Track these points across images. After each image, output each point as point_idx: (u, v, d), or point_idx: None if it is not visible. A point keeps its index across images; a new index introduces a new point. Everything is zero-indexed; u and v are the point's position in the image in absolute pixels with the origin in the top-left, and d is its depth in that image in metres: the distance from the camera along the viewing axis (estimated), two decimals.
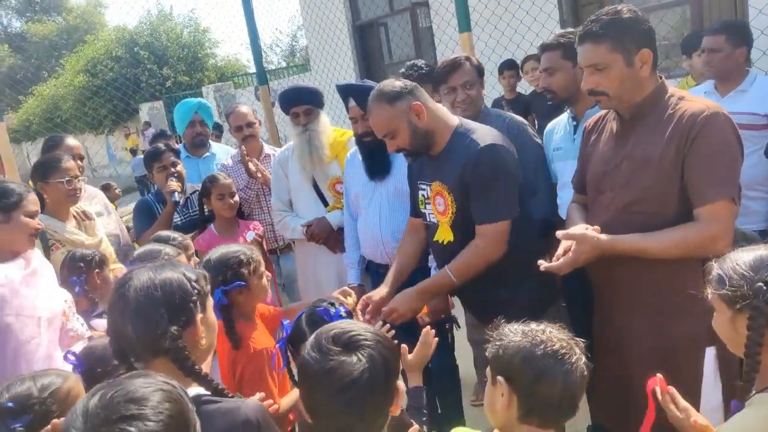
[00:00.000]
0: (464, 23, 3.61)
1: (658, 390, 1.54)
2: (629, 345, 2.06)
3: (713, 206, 1.83)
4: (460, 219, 2.27)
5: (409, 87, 2.26)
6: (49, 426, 1.39)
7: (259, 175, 3.52)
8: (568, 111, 2.70)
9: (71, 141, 3.56)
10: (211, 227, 3.31)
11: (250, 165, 3.50)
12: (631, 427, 1.64)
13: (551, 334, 1.37)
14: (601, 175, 2.09)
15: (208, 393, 1.40)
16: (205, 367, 1.46)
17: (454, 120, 2.32)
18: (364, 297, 2.38)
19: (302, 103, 3.24)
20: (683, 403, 1.52)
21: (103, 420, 0.89)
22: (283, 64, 22.77)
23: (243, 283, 2.05)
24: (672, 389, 1.54)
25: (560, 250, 1.98)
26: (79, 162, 3.28)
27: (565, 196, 2.55)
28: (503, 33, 5.85)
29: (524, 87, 5.80)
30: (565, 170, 2.61)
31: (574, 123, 2.64)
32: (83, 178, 3.12)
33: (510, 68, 5.50)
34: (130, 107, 17.05)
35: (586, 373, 1.37)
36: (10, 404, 1.40)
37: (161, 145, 3.60)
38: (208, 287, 1.50)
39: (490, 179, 2.17)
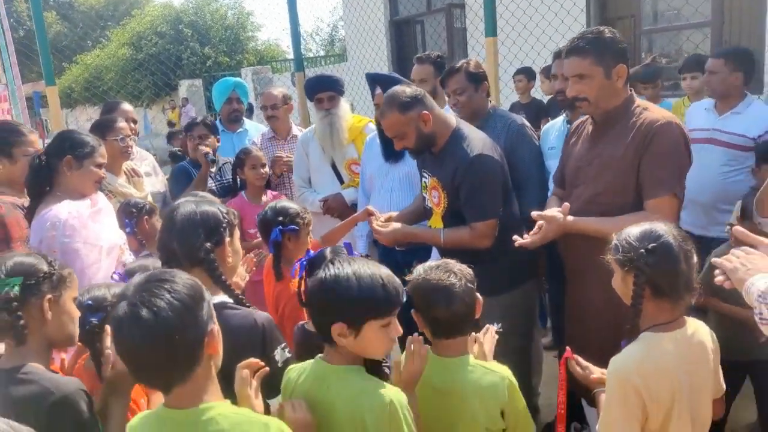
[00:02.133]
0: (490, 28, 3.91)
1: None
2: (589, 317, 2.41)
3: (659, 200, 2.20)
4: (449, 213, 2.64)
5: (419, 96, 2.58)
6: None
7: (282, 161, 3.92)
8: (564, 114, 3.04)
9: (126, 106, 3.98)
10: (242, 194, 3.70)
11: (280, 153, 3.93)
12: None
13: (438, 270, 1.81)
14: (576, 171, 2.45)
15: (232, 302, 1.82)
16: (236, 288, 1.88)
17: (453, 122, 2.66)
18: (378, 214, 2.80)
19: (326, 89, 3.61)
20: (584, 363, 1.91)
21: (144, 282, 1.30)
22: (322, 53, 23.21)
23: (296, 228, 2.49)
24: (576, 357, 1.92)
25: (535, 229, 2.35)
26: (131, 125, 3.71)
27: None
28: (526, 40, 6.16)
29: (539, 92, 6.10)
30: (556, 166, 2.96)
31: (568, 126, 2.98)
32: (134, 138, 3.54)
33: (520, 73, 5.84)
34: (170, 83, 17.59)
35: (471, 296, 1.82)
36: (89, 302, 1.81)
37: (197, 118, 4.01)
38: (236, 221, 1.92)
39: (477, 186, 2.53)
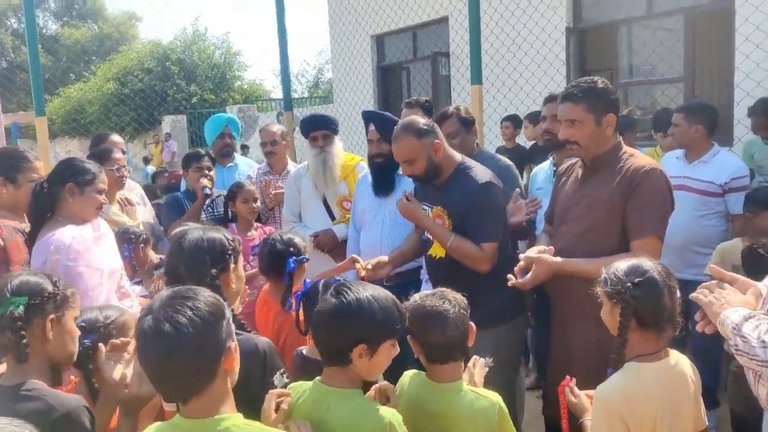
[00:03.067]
0: (476, 76, 4.10)
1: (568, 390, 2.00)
2: (576, 350, 2.49)
3: (643, 241, 2.34)
4: None
5: (433, 126, 2.73)
6: (117, 341, 1.82)
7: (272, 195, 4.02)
8: (551, 158, 3.20)
9: (115, 137, 4.02)
10: (232, 226, 3.75)
11: (271, 190, 4.02)
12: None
13: (433, 297, 1.89)
14: (564, 210, 2.58)
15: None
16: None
17: (458, 157, 2.80)
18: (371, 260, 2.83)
19: (321, 128, 3.74)
20: (577, 391, 1.98)
21: (169, 299, 1.37)
22: (306, 95, 23.56)
23: (306, 258, 2.59)
24: (571, 383, 1.99)
25: (521, 265, 2.45)
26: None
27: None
28: (510, 89, 6.42)
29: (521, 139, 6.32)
30: (545, 206, 3.08)
31: (554, 168, 3.13)
32: (128, 168, 3.61)
33: (507, 120, 6.08)
34: (153, 118, 17.64)
35: (464, 323, 1.89)
36: (82, 324, 1.85)
37: (201, 150, 4.10)
38: (241, 248, 1.99)
39: (486, 210, 2.64)
